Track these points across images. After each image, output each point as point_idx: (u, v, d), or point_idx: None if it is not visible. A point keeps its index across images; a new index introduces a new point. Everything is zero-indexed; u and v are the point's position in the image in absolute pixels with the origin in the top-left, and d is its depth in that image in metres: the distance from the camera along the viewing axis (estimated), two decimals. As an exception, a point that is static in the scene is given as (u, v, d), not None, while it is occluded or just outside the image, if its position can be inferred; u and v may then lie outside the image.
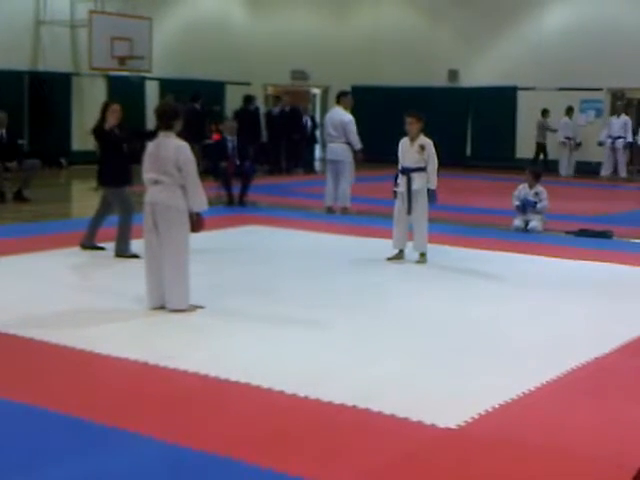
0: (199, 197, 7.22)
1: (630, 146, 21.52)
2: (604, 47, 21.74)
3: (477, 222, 13.14)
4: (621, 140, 21.21)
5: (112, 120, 9.73)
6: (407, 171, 9.70)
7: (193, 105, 20.10)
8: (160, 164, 7.17)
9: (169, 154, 7.14)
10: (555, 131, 22.08)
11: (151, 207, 7.21)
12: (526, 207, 12.25)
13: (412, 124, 9.72)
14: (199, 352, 6.17)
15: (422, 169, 9.68)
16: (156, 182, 7.21)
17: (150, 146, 7.35)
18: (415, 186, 9.66)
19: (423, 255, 9.74)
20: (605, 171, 21.46)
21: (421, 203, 9.73)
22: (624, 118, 21.36)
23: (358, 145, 13.79)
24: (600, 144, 21.34)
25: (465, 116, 23.98)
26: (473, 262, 9.89)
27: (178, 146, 7.19)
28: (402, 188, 9.72)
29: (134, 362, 5.85)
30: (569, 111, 21.87)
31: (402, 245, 9.83)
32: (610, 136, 21.26)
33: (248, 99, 21.75)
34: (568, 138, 21.87)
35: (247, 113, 21.04)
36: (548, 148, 22.41)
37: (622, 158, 21.40)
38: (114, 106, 9.83)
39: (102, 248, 9.84)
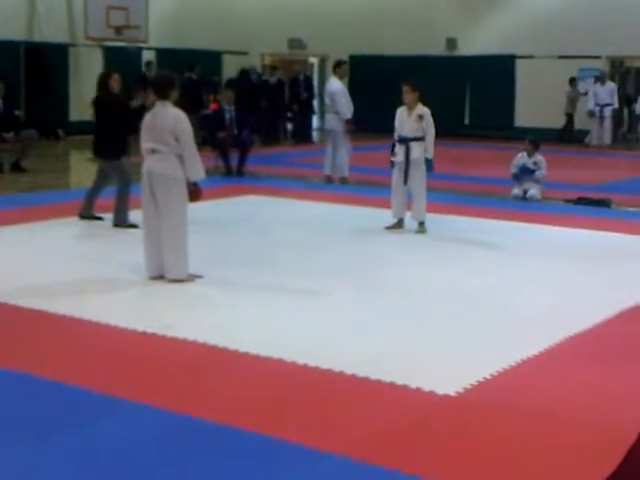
0: (196, 167, 7.19)
1: (617, 113, 21.36)
2: (603, 14, 21.57)
3: (476, 191, 13.12)
4: (609, 107, 21.01)
5: (116, 88, 9.77)
6: (405, 140, 9.67)
7: (190, 75, 19.98)
8: (157, 133, 7.14)
9: (166, 123, 7.11)
10: (584, 94, 21.63)
11: (148, 176, 7.19)
12: (523, 175, 12.22)
13: (407, 93, 9.72)
14: (197, 321, 6.17)
15: (420, 138, 9.66)
16: (153, 151, 7.18)
17: (147, 116, 7.32)
18: (413, 155, 9.64)
19: (422, 224, 9.74)
20: (595, 140, 21.29)
21: (419, 172, 9.71)
22: (610, 85, 21.16)
23: (346, 115, 13.73)
24: (591, 114, 21.18)
25: (463, 85, 23.85)
26: (472, 231, 9.88)
27: (175, 115, 7.16)
28: (400, 157, 9.70)
29: (132, 331, 5.86)
30: (598, 79, 21.41)
31: (401, 214, 9.83)
32: (597, 104, 21.08)
33: (244, 73, 21.55)
34: (598, 105, 21.28)
35: (242, 83, 20.88)
36: (581, 117, 21.92)
37: (609, 126, 21.24)
38: (115, 75, 9.83)
39: (100, 218, 9.84)
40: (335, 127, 13.83)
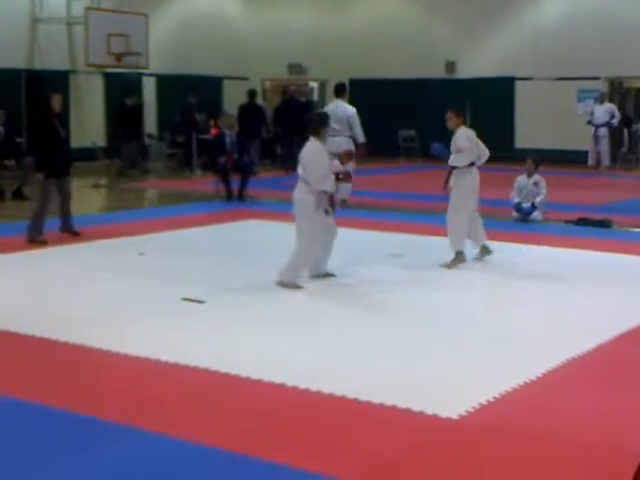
0: (320, 185, 8.09)
1: (613, 132, 21.06)
2: (602, 36, 21.67)
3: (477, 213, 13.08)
4: (604, 128, 20.85)
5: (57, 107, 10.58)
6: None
7: (124, 101, 19.88)
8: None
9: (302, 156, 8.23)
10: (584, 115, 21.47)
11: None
12: (525, 212, 12.22)
13: (450, 119, 9.67)
14: (201, 347, 6.16)
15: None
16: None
17: None
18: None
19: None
20: (591, 160, 21.18)
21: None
22: (608, 105, 21.01)
23: (362, 138, 13.75)
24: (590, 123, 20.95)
25: (463, 107, 23.84)
26: (473, 253, 9.86)
27: (304, 150, 8.22)
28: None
29: (135, 358, 5.86)
30: (597, 100, 21.25)
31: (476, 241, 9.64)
32: (593, 124, 20.93)
33: (252, 94, 21.43)
34: (594, 125, 21.03)
35: (251, 108, 20.76)
36: (581, 138, 21.84)
37: (605, 146, 20.97)
38: (57, 95, 10.80)
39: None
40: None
